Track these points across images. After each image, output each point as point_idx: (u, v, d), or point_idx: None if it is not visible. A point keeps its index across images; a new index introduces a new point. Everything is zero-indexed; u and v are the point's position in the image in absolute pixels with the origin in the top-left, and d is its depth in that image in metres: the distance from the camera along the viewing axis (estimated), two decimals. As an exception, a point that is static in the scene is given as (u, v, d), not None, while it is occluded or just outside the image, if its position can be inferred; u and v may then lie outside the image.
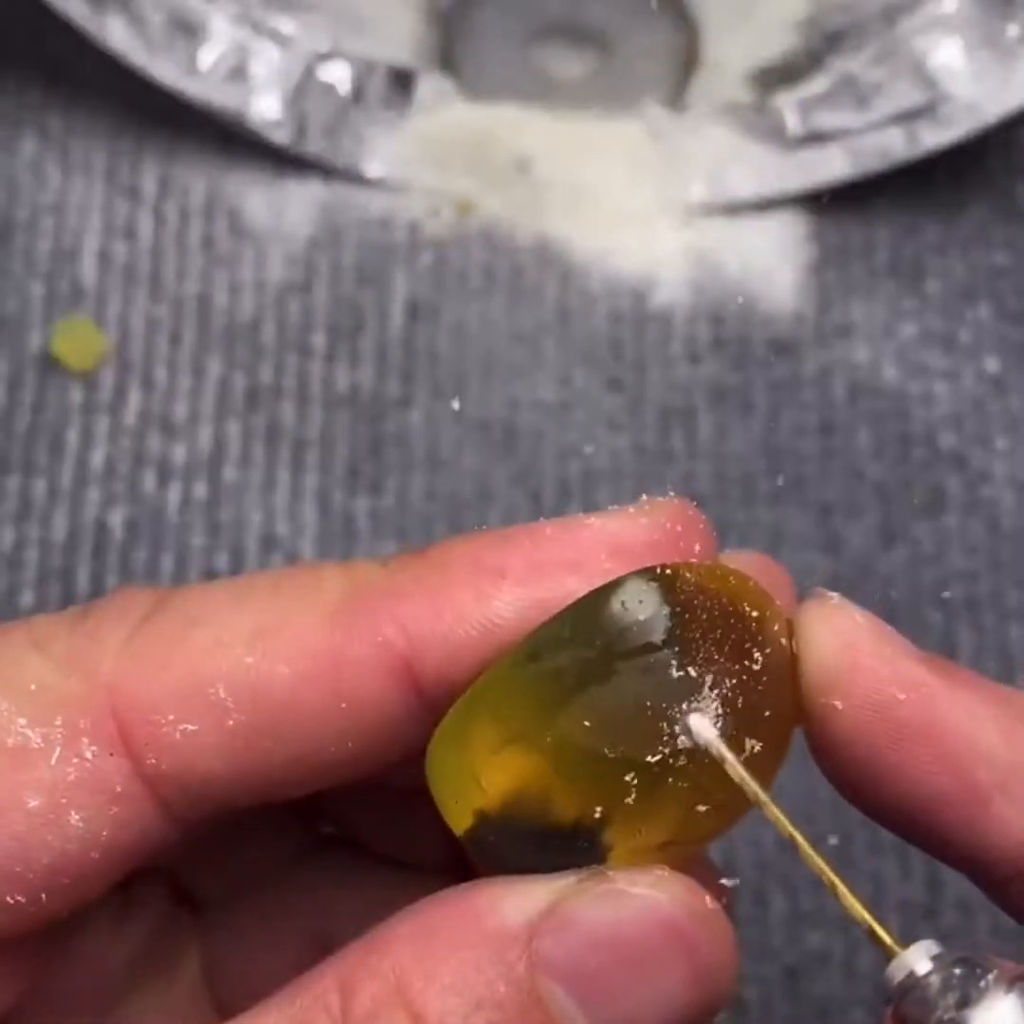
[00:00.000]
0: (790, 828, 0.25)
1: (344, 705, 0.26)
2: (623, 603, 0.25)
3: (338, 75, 0.54)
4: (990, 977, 0.21)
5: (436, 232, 0.54)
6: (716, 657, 0.25)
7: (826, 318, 0.53)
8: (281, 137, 0.54)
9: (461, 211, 0.54)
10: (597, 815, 0.25)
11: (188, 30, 0.53)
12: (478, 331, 0.53)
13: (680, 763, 0.24)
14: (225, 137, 0.54)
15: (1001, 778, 0.25)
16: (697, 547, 0.27)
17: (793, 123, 0.53)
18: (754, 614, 0.25)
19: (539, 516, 0.50)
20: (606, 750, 0.24)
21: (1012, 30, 0.51)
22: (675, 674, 0.24)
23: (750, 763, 0.25)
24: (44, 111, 0.55)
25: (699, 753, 0.25)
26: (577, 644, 0.25)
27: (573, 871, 0.24)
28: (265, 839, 0.33)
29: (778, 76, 0.54)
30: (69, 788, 0.26)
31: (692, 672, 0.25)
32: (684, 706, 0.25)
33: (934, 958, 0.22)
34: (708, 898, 0.24)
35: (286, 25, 0.54)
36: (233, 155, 0.54)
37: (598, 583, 0.25)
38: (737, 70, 0.55)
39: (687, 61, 0.54)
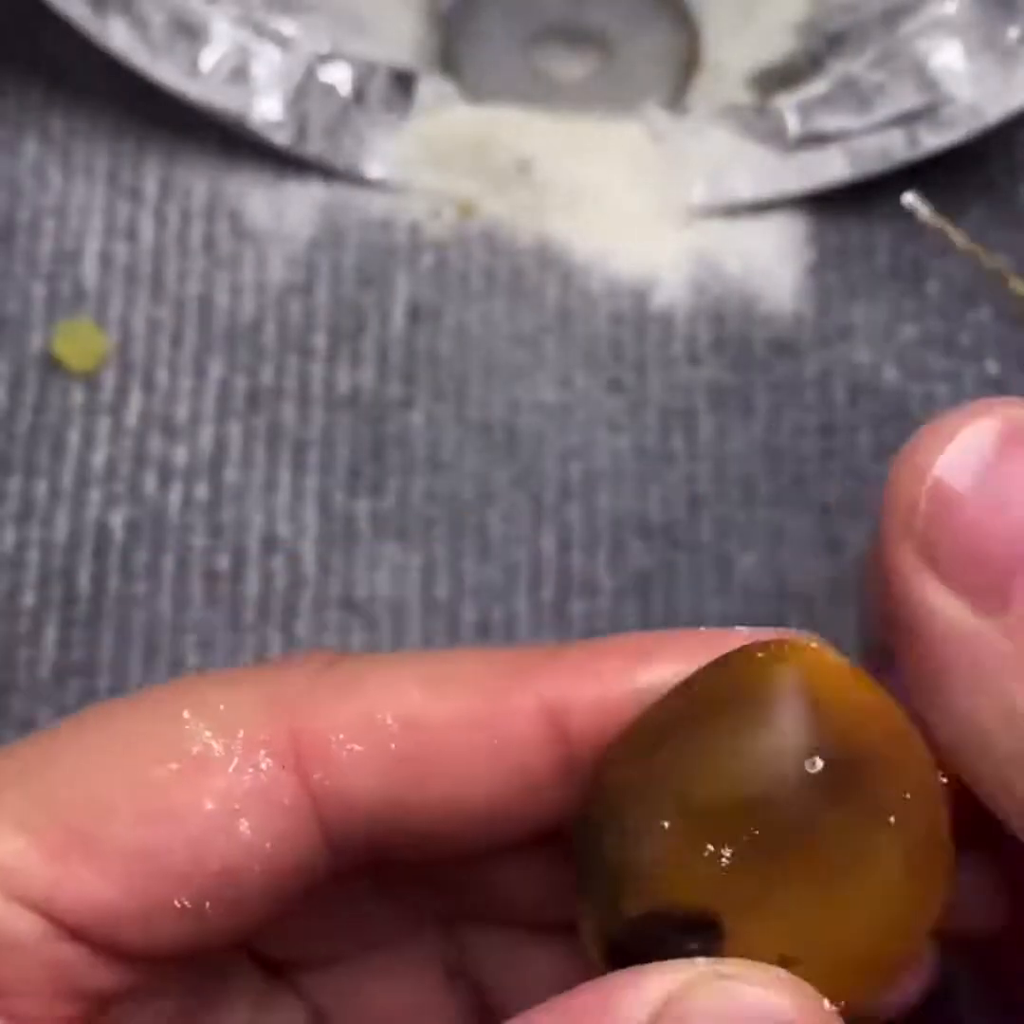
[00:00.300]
0: None
1: (497, 743, 0.27)
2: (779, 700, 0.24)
3: (339, 76, 0.54)
4: None
5: (437, 233, 0.54)
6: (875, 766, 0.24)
7: (827, 319, 0.53)
8: (282, 138, 0.54)
9: (462, 212, 0.54)
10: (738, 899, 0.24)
11: (190, 32, 0.53)
12: (479, 332, 0.53)
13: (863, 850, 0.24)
14: (226, 139, 0.54)
15: None
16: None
17: (794, 125, 0.53)
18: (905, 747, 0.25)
19: (540, 518, 0.50)
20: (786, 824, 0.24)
21: (1013, 32, 0.51)
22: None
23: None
24: (46, 113, 0.55)
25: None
26: (732, 736, 0.24)
27: (690, 961, 0.24)
28: (425, 999, 0.33)
29: (779, 78, 0.54)
30: (243, 796, 0.27)
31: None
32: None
33: None
34: (826, 1002, 0.24)
35: (287, 27, 0.54)
36: (234, 156, 0.55)
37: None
38: (738, 72, 0.55)
39: (688, 63, 0.54)
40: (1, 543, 0.49)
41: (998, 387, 0.52)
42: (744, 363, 0.52)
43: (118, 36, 0.52)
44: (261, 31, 0.53)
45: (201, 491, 0.50)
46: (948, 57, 0.52)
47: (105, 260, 0.53)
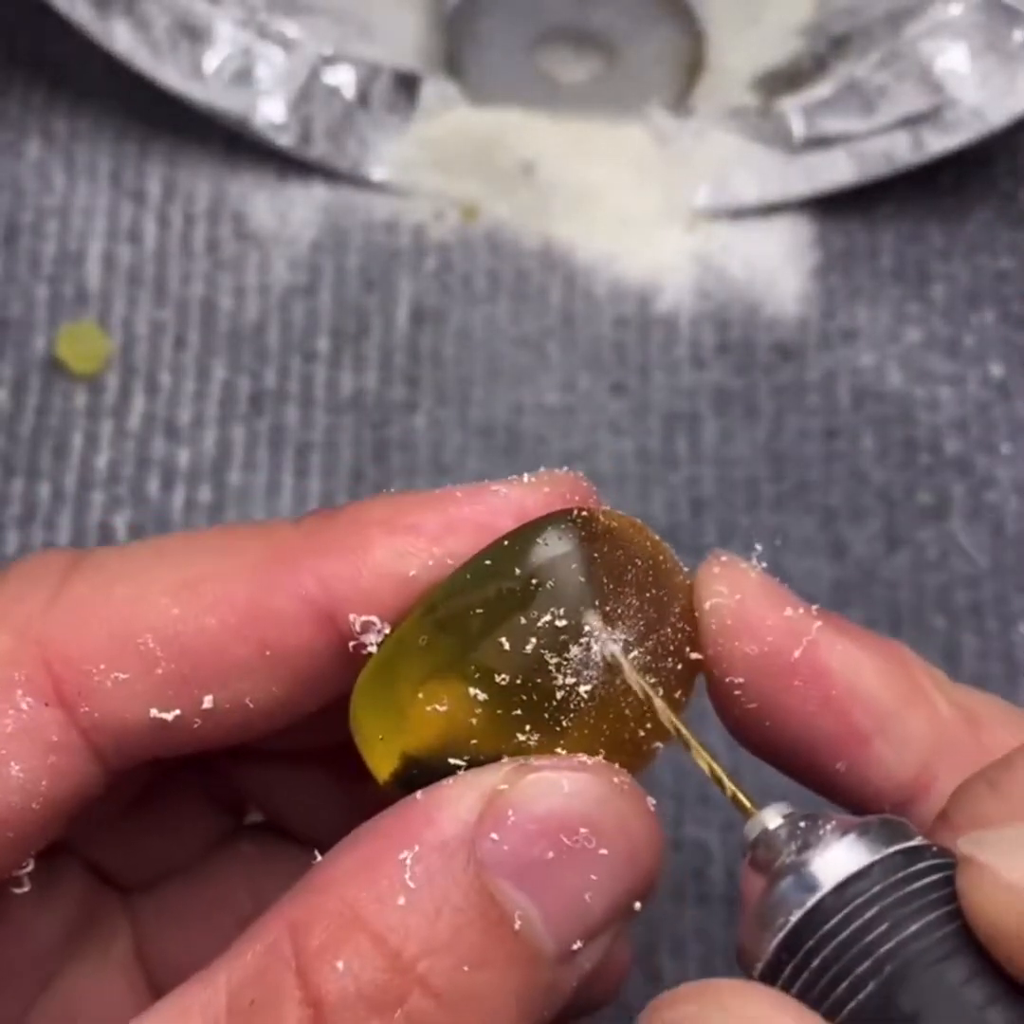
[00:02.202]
0: (683, 731, 0.26)
1: (269, 653, 0.27)
2: (543, 540, 0.26)
3: (343, 79, 0.54)
4: (828, 826, 0.24)
5: (441, 236, 0.54)
6: (627, 594, 0.26)
7: (831, 323, 0.53)
8: (285, 140, 0.54)
9: (466, 215, 0.54)
10: (520, 742, 0.26)
11: (193, 34, 0.53)
12: (483, 335, 0.53)
13: (595, 689, 0.26)
14: (230, 140, 0.54)
15: (879, 722, 0.27)
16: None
17: (798, 127, 0.53)
18: (660, 558, 0.27)
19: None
20: (521, 677, 0.26)
21: (1017, 35, 0.51)
22: (589, 605, 0.26)
23: (668, 700, 0.27)
24: (49, 115, 0.55)
25: (612, 681, 0.26)
26: (499, 578, 0.26)
27: (496, 765, 0.25)
28: (189, 825, 0.33)
29: (783, 81, 0.54)
30: (7, 740, 0.27)
31: (605, 605, 0.26)
32: (597, 633, 0.26)
33: (784, 816, 0.25)
34: (629, 777, 0.26)
35: (291, 29, 0.53)
36: (238, 159, 0.55)
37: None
38: (742, 74, 0.55)
39: (692, 65, 0.54)
40: (4, 546, 0.49)
41: (1001, 389, 0.52)
42: (748, 367, 0.52)
43: (122, 38, 0.52)
44: (265, 33, 0.53)
45: (204, 494, 0.50)
46: (953, 60, 0.52)
47: (108, 262, 0.53)
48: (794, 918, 0.23)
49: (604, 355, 0.52)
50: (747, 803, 0.25)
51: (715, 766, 0.26)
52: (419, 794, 0.25)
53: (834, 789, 0.28)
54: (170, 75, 0.53)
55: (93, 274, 0.53)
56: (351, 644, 0.27)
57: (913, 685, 0.28)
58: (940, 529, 0.50)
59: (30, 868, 0.28)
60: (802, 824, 0.24)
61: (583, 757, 0.25)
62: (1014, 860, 0.22)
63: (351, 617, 0.27)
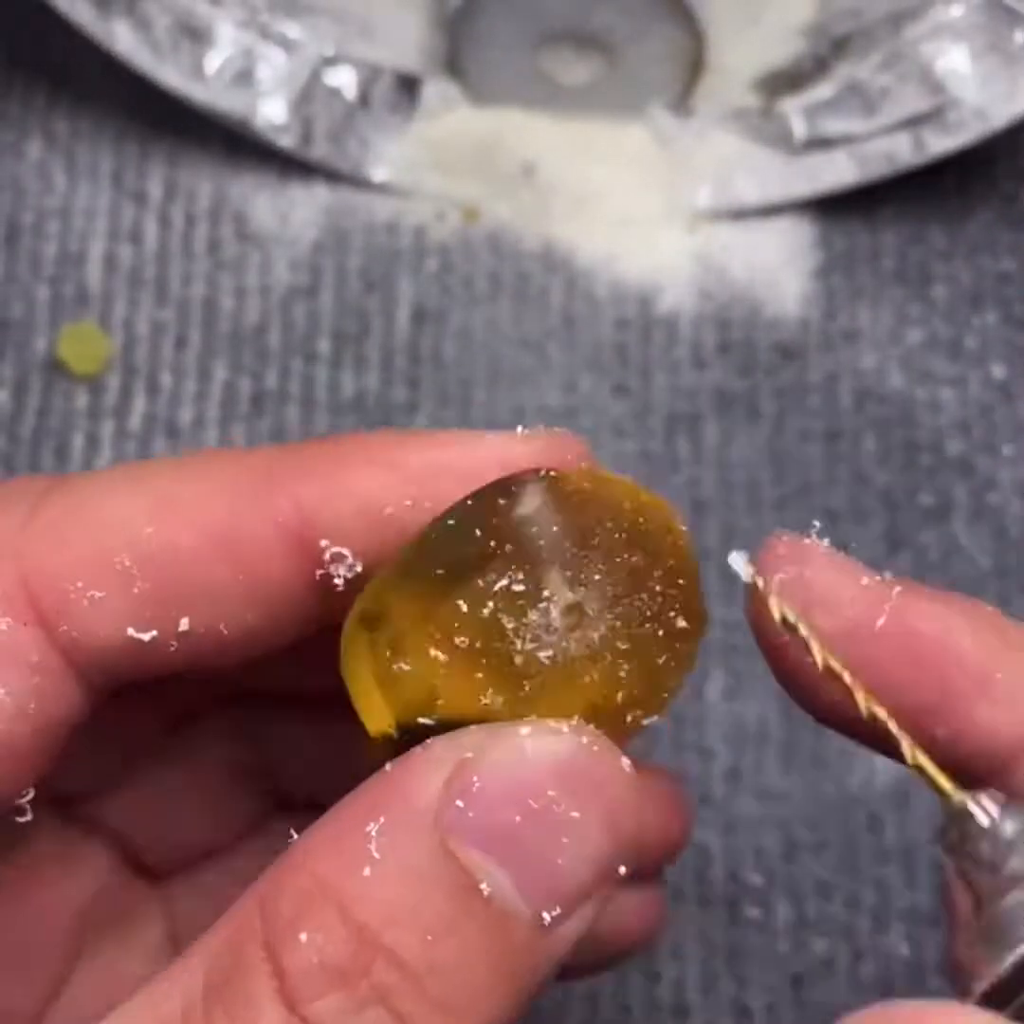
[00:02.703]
0: (917, 751, 0.24)
1: (243, 577, 0.27)
2: (506, 501, 0.26)
3: (344, 80, 0.54)
4: None
5: (442, 237, 0.54)
6: (595, 558, 0.26)
7: (832, 324, 0.53)
8: (287, 141, 0.54)
9: (467, 216, 0.54)
10: (486, 706, 0.25)
11: (194, 35, 0.53)
12: (484, 337, 0.53)
13: (556, 654, 0.26)
14: (231, 141, 0.54)
15: (981, 682, 0.26)
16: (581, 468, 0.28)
17: (799, 128, 0.53)
18: (640, 521, 0.27)
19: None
20: (480, 641, 0.25)
21: (1019, 36, 0.51)
22: (549, 569, 0.26)
23: (647, 669, 0.26)
24: (50, 115, 0.55)
25: (574, 646, 0.26)
26: (461, 539, 0.26)
27: (464, 731, 0.25)
28: (224, 807, 0.33)
29: (785, 81, 0.54)
30: None
31: (569, 569, 0.26)
32: (556, 597, 0.26)
33: (1002, 805, 0.22)
34: (606, 740, 0.25)
35: (292, 30, 0.53)
36: (239, 159, 0.54)
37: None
38: (744, 75, 0.55)
39: (693, 66, 0.54)
40: None
41: (1003, 390, 0.52)
42: (749, 368, 0.52)
43: (123, 39, 0.52)
44: (266, 34, 0.53)
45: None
46: (954, 61, 0.52)
47: (109, 263, 0.53)
48: None
49: (605, 356, 0.52)
50: (949, 787, 0.23)
51: (912, 748, 0.24)
52: (388, 765, 0.25)
53: (933, 757, 0.26)
54: (171, 76, 0.53)
55: (94, 275, 0.53)
56: (318, 572, 0.27)
57: (1009, 641, 0.26)
58: (942, 531, 0.50)
59: (31, 796, 0.28)
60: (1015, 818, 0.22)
61: (553, 721, 0.25)
62: None
63: (322, 543, 0.27)
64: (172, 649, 0.27)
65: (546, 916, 0.24)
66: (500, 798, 0.24)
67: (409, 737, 0.26)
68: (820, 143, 0.53)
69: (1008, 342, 0.53)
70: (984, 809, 0.22)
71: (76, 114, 0.55)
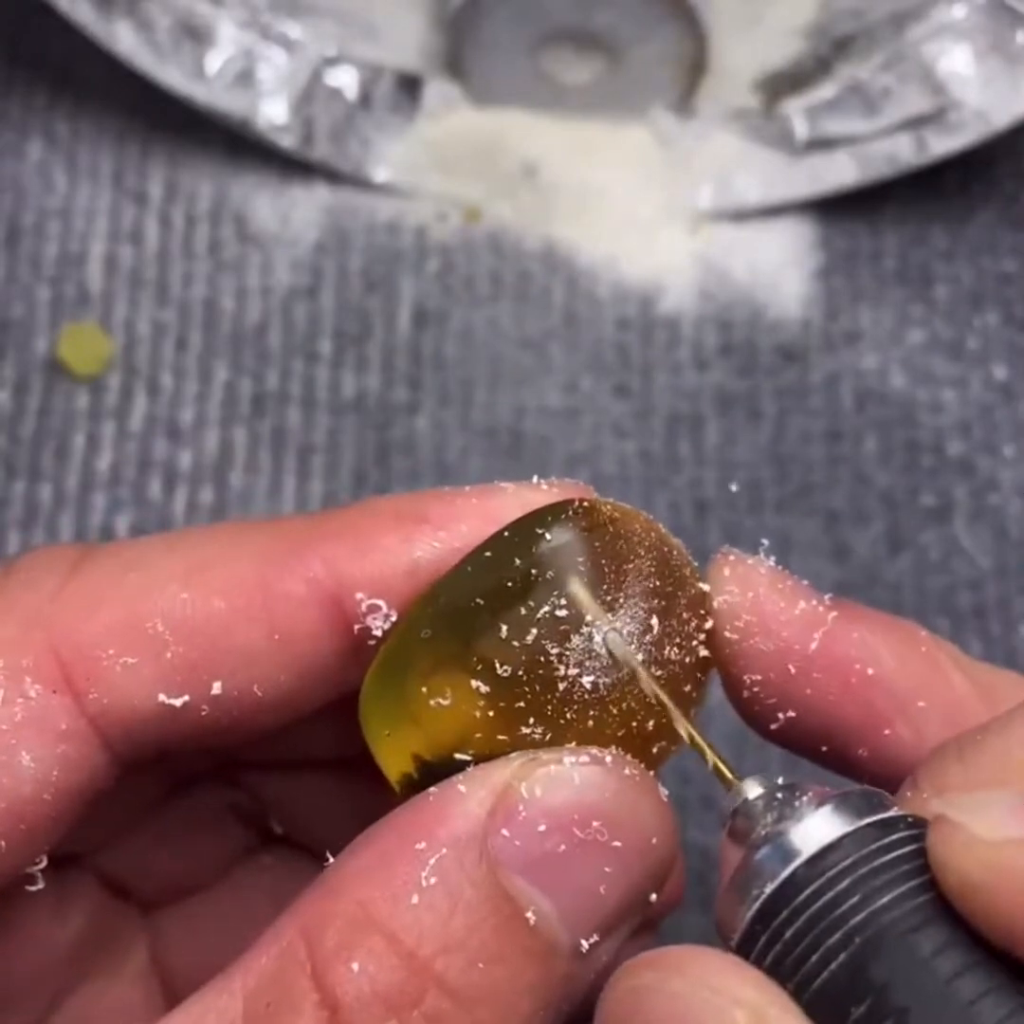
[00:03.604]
0: (663, 698, 0.26)
1: (277, 637, 0.27)
2: (543, 530, 0.26)
3: (345, 80, 0.54)
4: (805, 797, 0.24)
5: (443, 238, 0.54)
6: (631, 584, 0.26)
7: (834, 325, 0.53)
8: (288, 142, 0.54)
9: (468, 217, 0.54)
10: (525, 735, 0.25)
11: (195, 35, 0.53)
12: (485, 337, 0.53)
13: (598, 680, 0.26)
14: (232, 142, 0.54)
15: (898, 704, 0.27)
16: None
17: (801, 129, 0.53)
18: (666, 549, 0.27)
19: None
20: (523, 669, 0.25)
21: (1021, 37, 0.51)
22: (589, 596, 0.26)
23: (676, 697, 0.27)
24: (51, 115, 0.55)
25: (617, 673, 0.26)
26: (499, 568, 0.26)
27: (506, 759, 0.25)
28: (211, 840, 0.33)
29: (786, 82, 0.54)
30: (17, 729, 0.26)
31: (607, 595, 0.26)
32: (598, 623, 0.26)
33: (764, 787, 0.25)
34: (640, 768, 0.25)
35: (293, 30, 0.53)
36: (240, 160, 0.54)
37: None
38: (745, 76, 0.55)
39: (695, 67, 0.53)
40: (5, 548, 0.49)
41: (1005, 391, 0.52)
42: (750, 369, 0.52)
43: (124, 39, 0.52)
44: (267, 34, 0.53)
45: (206, 495, 0.50)
46: (956, 62, 0.52)
47: (110, 263, 0.53)
48: (768, 890, 0.23)
49: (607, 357, 0.52)
50: (728, 774, 0.25)
51: (696, 735, 0.26)
52: (430, 791, 0.25)
53: (858, 773, 0.28)
54: (172, 76, 0.53)
55: (95, 275, 0.53)
56: (356, 627, 0.27)
57: (929, 664, 0.28)
58: (943, 531, 0.50)
59: (43, 864, 0.27)
60: (780, 795, 0.24)
61: (594, 750, 0.25)
62: (981, 817, 0.22)
63: (357, 596, 0.27)
64: (203, 713, 0.27)
65: (584, 944, 0.24)
66: (546, 827, 0.24)
67: (432, 775, 0.26)
68: (821, 144, 0.53)
69: (1009, 343, 0.53)
70: (745, 790, 0.25)
71: (77, 115, 0.55)
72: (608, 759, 0.25)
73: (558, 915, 0.24)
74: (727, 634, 0.27)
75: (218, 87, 0.53)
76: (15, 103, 0.55)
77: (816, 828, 0.23)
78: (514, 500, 0.28)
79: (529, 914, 0.24)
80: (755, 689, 0.27)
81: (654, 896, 0.25)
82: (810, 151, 0.53)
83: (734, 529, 0.50)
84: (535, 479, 0.29)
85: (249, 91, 0.53)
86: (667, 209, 0.54)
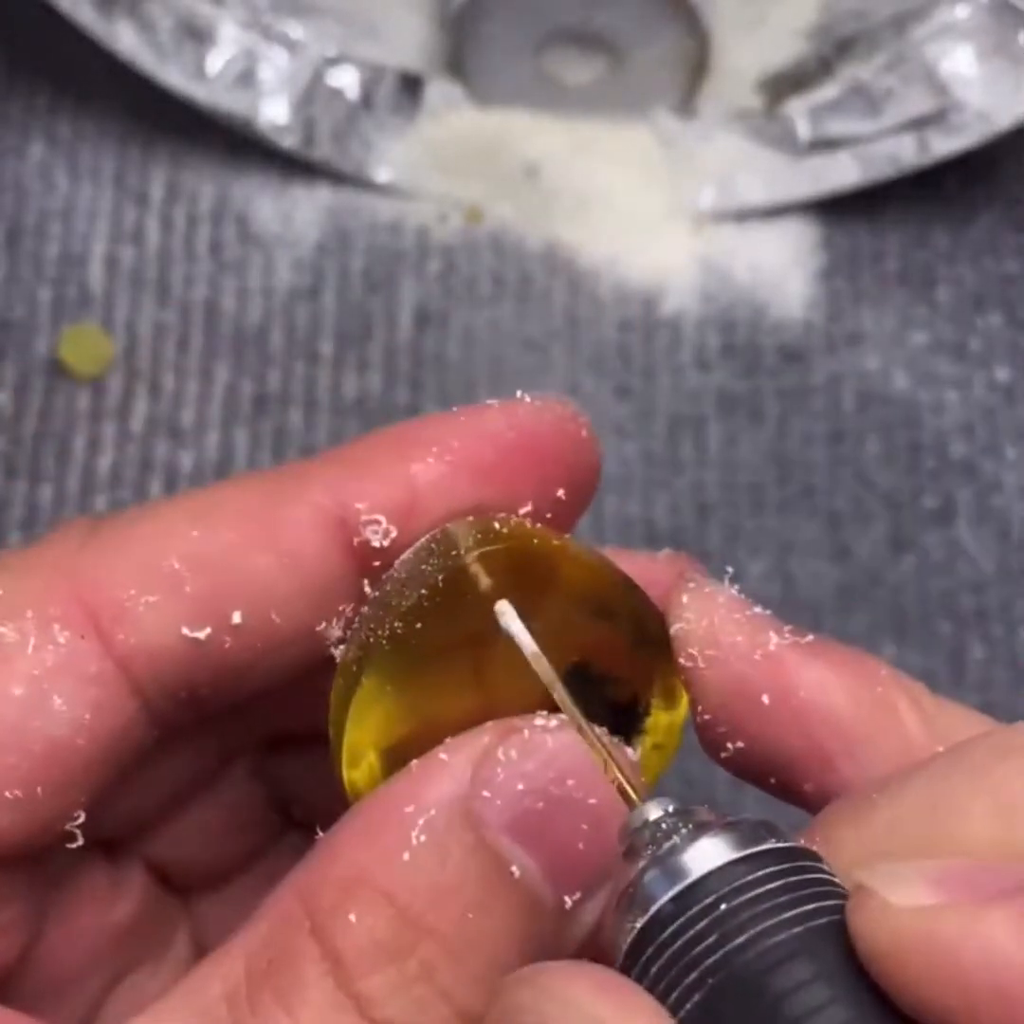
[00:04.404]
0: (571, 709, 0.26)
1: (287, 561, 0.28)
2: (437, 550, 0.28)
3: (346, 80, 0.54)
4: (687, 828, 0.24)
5: (445, 238, 0.54)
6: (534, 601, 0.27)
7: (836, 326, 0.53)
8: (289, 142, 0.54)
9: (470, 217, 0.54)
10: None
11: (197, 35, 0.53)
12: (487, 338, 0.52)
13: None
14: (233, 142, 0.54)
15: (847, 743, 0.27)
16: (582, 432, 0.30)
17: (803, 130, 0.53)
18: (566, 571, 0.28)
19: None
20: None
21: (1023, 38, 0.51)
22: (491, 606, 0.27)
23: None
24: (52, 116, 0.55)
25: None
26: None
27: (481, 728, 0.26)
28: (249, 822, 0.34)
29: (789, 83, 0.54)
30: (48, 674, 0.27)
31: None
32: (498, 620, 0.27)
33: (667, 811, 0.25)
34: (606, 731, 0.27)
35: (295, 30, 0.53)
36: (241, 160, 0.54)
37: (505, 451, 0.28)
38: (748, 76, 0.55)
39: (697, 67, 0.53)
40: (6, 549, 0.49)
41: (1007, 392, 0.52)
42: (753, 370, 0.52)
43: (125, 39, 0.52)
44: (269, 34, 0.53)
45: (207, 497, 0.50)
46: (958, 62, 0.52)
47: (111, 264, 0.53)
48: (639, 923, 0.23)
49: (608, 358, 0.52)
50: (632, 794, 0.25)
51: (603, 749, 0.26)
52: (412, 764, 0.26)
53: (807, 807, 0.28)
54: (174, 76, 0.53)
55: (96, 276, 0.53)
56: (355, 540, 0.28)
57: (883, 706, 0.28)
58: (945, 533, 0.50)
59: (81, 819, 0.28)
60: (676, 820, 0.24)
61: (558, 716, 0.26)
62: (897, 885, 0.23)
63: (357, 506, 0.28)
64: (227, 645, 0.28)
65: (568, 900, 0.26)
66: (524, 787, 0.26)
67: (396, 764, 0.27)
68: (824, 144, 0.53)
69: (1012, 344, 0.53)
70: (646, 812, 0.25)
71: (78, 115, 0.55)
72: (575, 723, 0.26)
73: (540, 871, 0.25)
74: (682, 661, 0.28)
75: (219, 87, 0.53)
76: (16, 104, 0.55)
77: (691, 859, 0.23)
78: (500, 415, 0.29)
79: (513, 868, 0.25)
80: (707, 716, 0.28)
81: None
82: (812, 152, 0.53)
83: (735, 531, 0.50)
84: (519, 393, 0.29)
85: (250, 91, 0.53)
86: (669, 210, 0.54)
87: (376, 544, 0.28)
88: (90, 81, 0.55)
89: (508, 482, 0.29)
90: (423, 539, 0.28)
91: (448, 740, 0.26)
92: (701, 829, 0.24)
